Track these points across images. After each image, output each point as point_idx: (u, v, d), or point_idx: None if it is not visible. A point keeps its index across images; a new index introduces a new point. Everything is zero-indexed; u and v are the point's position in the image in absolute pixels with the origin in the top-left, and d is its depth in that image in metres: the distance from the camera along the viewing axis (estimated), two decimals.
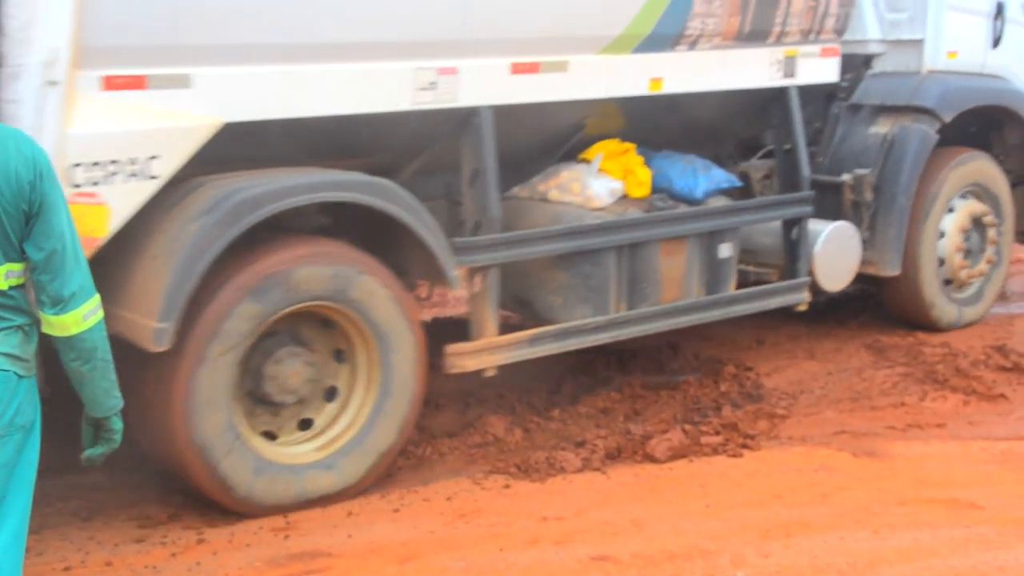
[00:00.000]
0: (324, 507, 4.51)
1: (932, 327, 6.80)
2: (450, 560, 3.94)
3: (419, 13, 4.60)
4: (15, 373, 2.43)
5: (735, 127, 6.54)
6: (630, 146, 5.77)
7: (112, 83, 3.89)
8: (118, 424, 2.64)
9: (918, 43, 6.56)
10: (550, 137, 5.72)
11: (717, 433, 5.34)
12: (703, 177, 5.81)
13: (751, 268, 6.35)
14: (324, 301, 4.45)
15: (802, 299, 6.20)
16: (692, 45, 5.57)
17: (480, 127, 4.95)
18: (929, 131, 6.45)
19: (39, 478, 2.67)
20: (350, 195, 4.57)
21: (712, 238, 5.80)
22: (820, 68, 6.18)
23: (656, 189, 5.74)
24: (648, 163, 5.79)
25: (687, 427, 5.36)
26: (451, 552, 4.03)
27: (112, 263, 3.93)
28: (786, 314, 6.79)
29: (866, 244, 6.44)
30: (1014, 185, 7.18)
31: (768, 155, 6.72)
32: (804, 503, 4.57)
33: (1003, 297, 8.01)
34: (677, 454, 5.08)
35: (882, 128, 6.58)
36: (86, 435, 2.66)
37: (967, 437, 5.43)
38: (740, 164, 6.73)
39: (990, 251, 6.98)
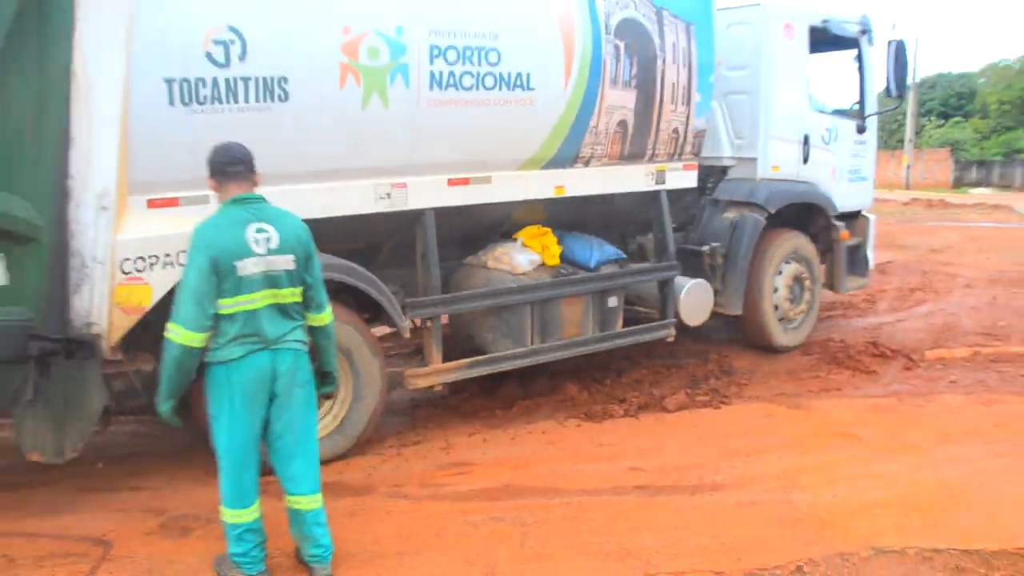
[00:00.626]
0: (470, 435, 6.80)
1: (772, 348, 8.97)
2: (544, 468, 6.04)
3: (379, 152, 5.95)
4: (302, 351, 4.14)
5: (635, 214, 8.21)
6: (547, 229, 7.35)
7: (153, 204, 5.22)
8: (337, 377, 4.59)
9: (754, 160, 8.69)
10: (488, 224, 7.22)
11: (706, 395, 7.71)
12: (597, 251, 7.43)
13: (641, 309, 8.20)
14: None
15: (669, 334, 7.97)
16: (587, 163, 7.06)
17: (425, 224, 6.38)
18: (760, 218, 8.54)
19: None
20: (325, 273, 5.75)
21: (603, 294, 7.39)
22: (683, 177, 7.90)
23: (565, 259, 7.35)
24: (561, 241, 7.40)
25: (687, 391, 7.73)
26: (545, 463, 6.15)
27: None
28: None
29: (719, 293, 8.45)
30: (824, 252, 9.46)
31: None
32: (757, 436, 6.65)
33: (876, 311, 11.31)
34: (681, 407, 7.36)
35: (731, 215, 8.68)
36: (318, 382, 4.38)
37: (854, 396, 7.74)
38: (637, 238, 8.70)
39: (807, 297, 9.15)
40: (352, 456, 6.21)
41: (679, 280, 8.10)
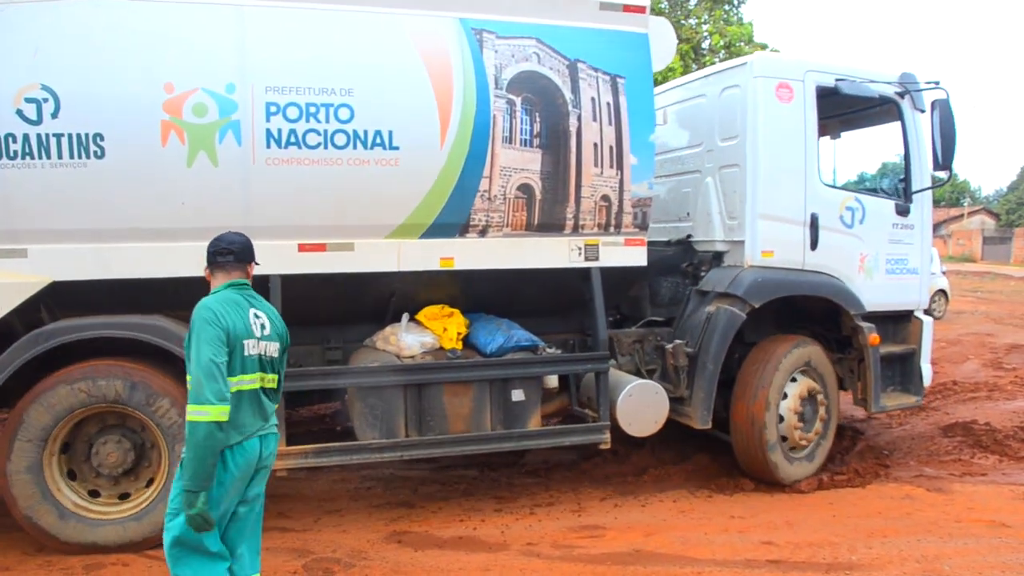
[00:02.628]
0: (601, 500, 6.80)
1: (773, 481, 7.09)
2: (674, 535, 5.96)
3: (212, 212, 5.45)
4: (277, 435, 4.13)
5: (574, 297, 6.76)
6: (454, 310, 6.49)
7: None
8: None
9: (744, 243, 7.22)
10: (374, 301, 6.39)
11: (841, 474, 7.39)
12: (500, 336, 6.25)
13: (587, 411, 6.81)
14: (111, 404, 5.47)
15: (602, 439, 6.45)
16: (482, 233, 6.11)
17: (271, 290, 5.69)
18: (737, 313, 6.89)
19: None
20: (123, 332, 5.44)
21: (506, 384, 6.24)
22: (625, 254, 6.49)
23: (469, 344, 6.40)
24: (473, 324, 6.51)
25: (822, 471, 7.35)
26: (675, 531, 6.07)
27: None
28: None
29: (685, 400, 6.96)
30: (859, 361, 7.48)
31: (645, 324, 7.49)
32: (895, 518, 6.36)
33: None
34: (815, 487, 7.10)
35: (711, 308, 7.08)
36: None
37: (1001, 482, 7.22)
38: (608, 331, 7.05)
39: (820, 419, 7.22)
40: (487, 513, 6.47)
41: (621, 379, 6.73)
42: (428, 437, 6.05)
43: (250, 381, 3.89)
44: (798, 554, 5.58)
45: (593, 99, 6.21)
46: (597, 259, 6.40)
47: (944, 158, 7.22)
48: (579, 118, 6.20)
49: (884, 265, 7.52)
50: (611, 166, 6.28)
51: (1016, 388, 10.59)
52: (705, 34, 21.38)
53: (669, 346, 6.95)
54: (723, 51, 20.84)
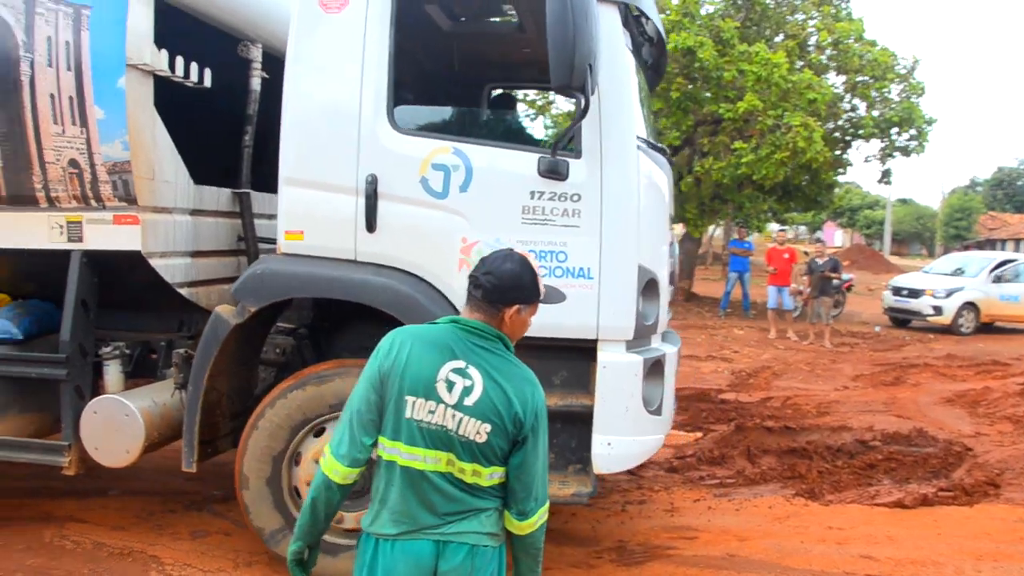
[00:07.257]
0: (694, 501, 6.80)
1: None
2: (769, 543, 5.93)
3: None
4: (485, 548, 2.87)
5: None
6: None
7: None
8: None
9: None
10: None
11: (948, 490, 7.10)
12: None
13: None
14: None
15: (59, 462, 5.37)
16: None
17: None
18: (224, 319, 5.10)
19: None
20: None
21: None
22: (115, 235, 5.30)
23: None
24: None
25: (927, 486, 7.24)
26: (770, 538, 6.03)
27: None
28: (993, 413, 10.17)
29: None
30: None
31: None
32: (1007, 541, 6.07)
33: None
34: (919, 502, 6.86)
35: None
36: None
37: None
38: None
39: None
40: (578, 508, 6.43)
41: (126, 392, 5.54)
42: None
43: (413, 456, 2.81)
44: (900, 571, 5.45)
45: (50, 38, 5.13)
46: (81, 240, 5.34)
47: (558, 64, 4.19)
48: (32, 64, 5.15)
49: None
50: (74, 122, 5.17)
51: None
52: (812, 30, 20.87)
53: (176, 355, 5.51)
54: (830, 48, 20.33)
